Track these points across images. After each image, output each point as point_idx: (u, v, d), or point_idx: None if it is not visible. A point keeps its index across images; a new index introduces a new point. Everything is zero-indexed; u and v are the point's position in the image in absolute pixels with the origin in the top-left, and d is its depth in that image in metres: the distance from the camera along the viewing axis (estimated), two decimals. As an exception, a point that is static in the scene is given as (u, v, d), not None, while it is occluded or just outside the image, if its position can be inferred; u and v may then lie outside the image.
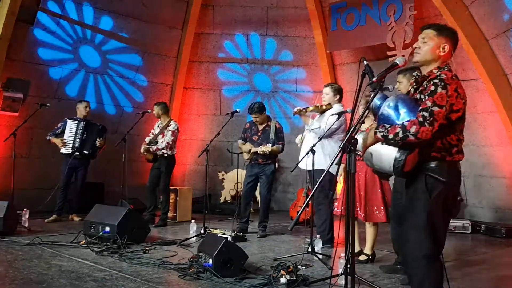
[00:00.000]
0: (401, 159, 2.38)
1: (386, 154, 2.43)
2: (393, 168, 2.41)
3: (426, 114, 2.32)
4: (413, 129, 2.33)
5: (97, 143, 6.57)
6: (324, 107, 5.11)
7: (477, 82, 6.91)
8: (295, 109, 5.18)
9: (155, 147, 6.42)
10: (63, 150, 6.51)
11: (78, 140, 6.50)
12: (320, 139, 4.70)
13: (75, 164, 6.53)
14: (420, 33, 2.59)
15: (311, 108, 5.11)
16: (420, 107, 2.37)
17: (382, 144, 2.48)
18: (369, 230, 4.41)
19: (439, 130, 2.36)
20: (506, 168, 6.85)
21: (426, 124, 2.31)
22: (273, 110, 9.03)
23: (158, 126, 6.68)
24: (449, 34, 2.54)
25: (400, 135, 2.36)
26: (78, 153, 6.47)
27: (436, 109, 2.32)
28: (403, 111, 2.44)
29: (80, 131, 6.54)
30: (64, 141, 6.48)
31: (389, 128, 2.42)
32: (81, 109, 6.67)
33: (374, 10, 7.76)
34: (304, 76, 9.12)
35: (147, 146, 6.45)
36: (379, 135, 2.46)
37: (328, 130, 4.78)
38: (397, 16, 7.37)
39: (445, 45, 2.50)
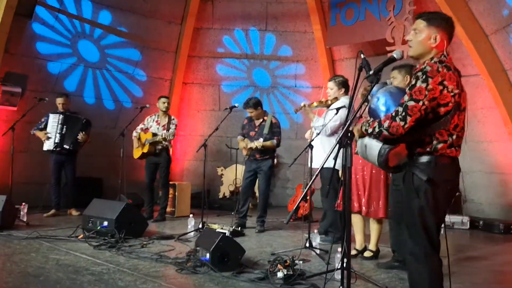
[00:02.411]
0: (383, 153, 2.36)
1: (374, 148, 2.42)
2: (377, 163, 2.41)
3: (400, 109, 2.28)
4: (386, 124, 2.30)
5: (79, 137, 6.49)
6: (329, 101, 4.98)
7: (477, 78, 6.89)
8: (294, 109, 5.06)
9: (163, 140, 6.19)
10: (45, 147, 6.44)
11: (58, 135, 6.43)
12: (317, 135, 4.68)
13: (61, 159, 6.48)
14: None
15: (315, 104, 5.01)
16: (400, 101, 2.33)
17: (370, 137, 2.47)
18: (373, 227, 4.40)
19: (424, 125, 2.31)
20: (505, 164, 6.85)
21: (397, 119, 2.27)
22: (272, 106, 9.02)
23: (154, 120, 6.56)
24: (441, 23, 2.39)
25: (376, 129, 2.34)
26: (59, 148, 6.41)
27: (411, 103, 2.26)
28: (388, 104, 2.42)
29: (60, 125, 6.46)
30: (48, 134, 6.42)
31: (370, 122, 2.41)
32: (57, 105, 6.56)
33: (373, 5, 7.73)
34: (303, 72, 9.10)
35: (158, 139, 6.18)
36: (362, 128, 2.45)
37: (326, 125, 4.73)
38: (397, 11, 7.36)
39: (436, 36, 2.39)
